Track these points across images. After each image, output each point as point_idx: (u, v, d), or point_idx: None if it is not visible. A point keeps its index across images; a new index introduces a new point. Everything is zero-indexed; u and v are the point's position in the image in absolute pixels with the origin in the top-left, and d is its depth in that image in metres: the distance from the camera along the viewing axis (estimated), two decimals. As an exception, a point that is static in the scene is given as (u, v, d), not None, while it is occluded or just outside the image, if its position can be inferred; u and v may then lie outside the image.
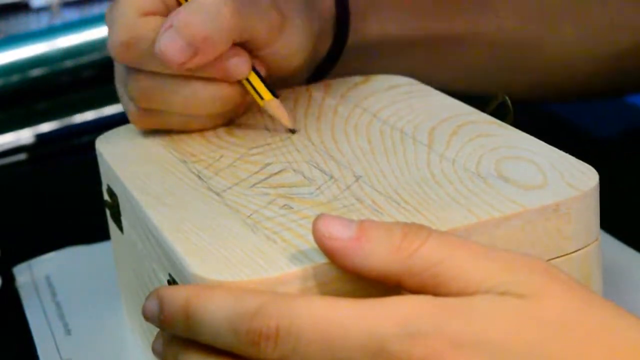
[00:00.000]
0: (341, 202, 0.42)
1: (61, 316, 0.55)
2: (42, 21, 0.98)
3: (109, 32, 0.48)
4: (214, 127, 0.51)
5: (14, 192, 0.73)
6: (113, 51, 0.48)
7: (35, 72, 0.85)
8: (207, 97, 0.49)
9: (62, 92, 0.86)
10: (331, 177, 0.44)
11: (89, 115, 0.84)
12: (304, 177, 0.44)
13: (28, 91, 0.85)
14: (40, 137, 0.79)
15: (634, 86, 0.66)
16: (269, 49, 0.50)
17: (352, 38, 0.58)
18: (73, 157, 0.78)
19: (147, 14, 0.48)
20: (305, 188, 0.43)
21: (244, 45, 0.49)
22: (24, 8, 0.99)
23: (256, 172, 0.45)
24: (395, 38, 0.60)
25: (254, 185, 0.44)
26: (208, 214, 0.42)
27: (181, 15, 0.46)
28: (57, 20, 0.97)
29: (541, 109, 0.76)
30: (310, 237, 0.39)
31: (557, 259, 0.40)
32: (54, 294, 0.58)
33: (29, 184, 0.75)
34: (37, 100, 0.86)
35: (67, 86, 0.86)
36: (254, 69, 0.49)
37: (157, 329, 0.45)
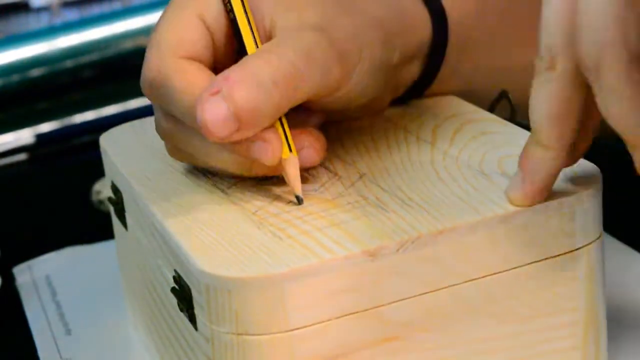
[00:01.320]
0: (346, 198, 0.42)
1: (61, 316, 0.56)
2: (42, 21, 0.98)
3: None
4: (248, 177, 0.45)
5: (14, 192, 0.73)
6: (142, 86, 0.44)
7: (35, 72, 0.86)
8: (224, 160, 0.43)
9: (62, 92, 0.87)
10: (335, 174, 0.44)
11: (89, 115, 0.84)
12: (308, 174, 0.44)
13: (28, 91, 0.85)
14: (40, 137, 0.79)
15: None
16: (325, 102, 0.44)
17: (445, 67, 0.52)
18: (73, 157, 0.78)
19: (183, 56, 0.43)
20: (310, 185, 0.43)
21: None
22: (24, 8, 0.99)
23: (261, 169, 0.46)
24: (489, 68, 0.54)
25: (259, 181, 0.44)
26: (213, 210, 0.42)
27: (230, 82, 0.40)
28: (57, 20, 0.98)
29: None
30: (316, 234, 0.39)
31: (560, 257, 0.41)
32: (54, 294, 0.58)
33: (29, 184, 0.75)
34: (37, 100, 0.86)
35: (67, 86, 0.87)
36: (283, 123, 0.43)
37: (162, 324, 0.45)
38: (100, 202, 0.66)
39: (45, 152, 0.79)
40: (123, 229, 0.50)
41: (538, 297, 0.41)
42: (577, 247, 0.41)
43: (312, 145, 0.43)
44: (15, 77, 0.85)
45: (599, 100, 0.35)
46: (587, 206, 0.40)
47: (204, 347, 0.39)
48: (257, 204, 0.42)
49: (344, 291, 0.37)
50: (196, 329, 0.40)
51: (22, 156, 0.78)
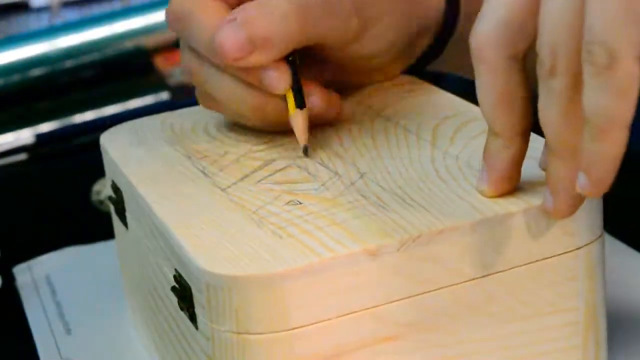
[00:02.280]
0: (346, 197, 0.42)
1: (61, 316, 0.55)
2: (42, 21, 0.98)
3: None
4: (262, 129, 0.49)
5: (14, 192, 0.73)
6: (166, 19, 0.48)
7: (35, 72, 0.86)
8: (239, 96, 0.47)
9: (62, 92, 0.87)
10: (336, 173, 0.44)
11: (89, 115, 0.84)
12: (309, 173, 0.44)
13: (28, 91, 0.86)
14: (40, 137, 0.79)
15: None
16: (342, 53, 0.49)
17: (456, 37, 0.55)
18: (73, 157, 0.78)
19: None
20: (310, 184, 0.43)
21: (314, 48, 0.48)
22: (24, 8, 0.99)
23: (261, 168, 0.46)
24: None
25: (259, 181, 0.44)
26: (214, 209, 0.42)
27: (246, 11, 0.45)
28: (57, 20, 0.98)
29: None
30: (317, 233, 0.39)
31: (560, 256, 0.40)
32: (54, 294, 0.58)
33: (29, 184, 0.75)
34: (37, 100, 0.86)
35: (67, 86, 0.87)
36: (296, 78, 0.47)
37: (162, 323, 0.45)
38: (101, 202, 0.66)
39: (45, 152, 0.79)
40: (123, 228, 0.50)
41: (538, 297, 0.41)
42: (577, 247, 0.41)
43: (319, 94, 0.47)
44: (15, 77, 0.85)
45: (540, 98, 0.36)
46: (588, 206, 0.40)
47: (205, 346, 0.39)
48: (257, 202, 0.42)
49: (345, 290, 0.37)
50: (197, 327, 0.40)
51: (22, 156, 0.78)
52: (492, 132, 0.39)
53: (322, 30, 0.46)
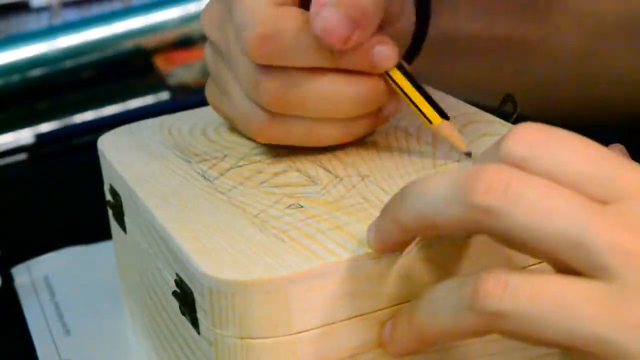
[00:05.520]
0: (348, 200, 0.42)
1: (60, 316, 0.55)
2: (42, 21, 0.98)
3: (240, 27, 0.44)
4: (343, 141, 0.46)
5: (14, 192, 0.73)
6: (249, 46, 0.44)
7: (35, 72, 0.85)
8: (348, 93, 0.45)
9: (62, 92, 0.86)
10: (336, 176, 0.44)
11: (89, 115, 0.84)
12: (309, 176, 0.44)
13: (28, 91, 0.85)
14: (40, 137, 0.79)
15: None
16: (396, 25, 0.48)
17: (430, 32, 0.55)
18: (73, 157, 0.78)
19: (282, 3, 0.45)
20: (311, 187, 0.43)
21: None
22: (24, 8, 0.99)
23: (261, 172, 0.45)
24: (468, 36, 0.58)
25: (259, 184, 0.44)
26: (215, 213, 0.42)
27: None
28: (57, 20, 0.97)
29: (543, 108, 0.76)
30: (319, 236, 0.39)
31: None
32: (52, 295, 0.58)
33: (29, 184, 0.75)
34: (37, 100, 0.86)
35: (67, 86, 0.87)
36: (419, 88, 0.45)
37: (163, 328, 0.44)
38: None
39: (45, 152, 0.79)
40: (121, 232, 0.49)
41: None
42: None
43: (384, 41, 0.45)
44: (15, 77, 0.85)
45: None
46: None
47: (207, 351, 0.39)
48: (258, 206, 0.42)
49: (348, 294, 0.37)
50: (198, 332, 0.40)
51: (22, 156, 0.78)
52: None
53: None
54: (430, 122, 0.44)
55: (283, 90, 0.44)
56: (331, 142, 0.46)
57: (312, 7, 0.43)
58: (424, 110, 0.45)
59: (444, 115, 0.44)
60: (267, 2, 0.44)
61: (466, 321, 0.34)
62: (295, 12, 0.44)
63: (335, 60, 0.44)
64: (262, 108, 0.45)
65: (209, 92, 0.50)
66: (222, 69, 0.48)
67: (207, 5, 0.49)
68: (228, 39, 0.46)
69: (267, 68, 0.44)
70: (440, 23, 0.55)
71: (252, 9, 0.44)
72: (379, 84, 0.45)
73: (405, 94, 0.45)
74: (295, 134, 0.46)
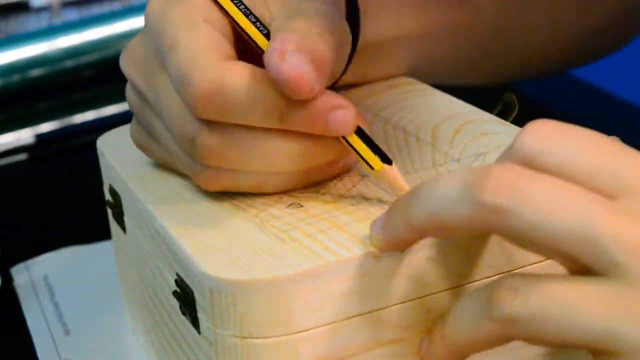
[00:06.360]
0: (348, 200, 0.42)
1: (60, 316, 0.55)
2: (42, 21, 0.98)
3: (183, 81, 0.41)
4: (293, 189, 0.43)
5: (14, 192, 0.73)
6: (196, 103, 0.40)
7: (35, 72, 0.85)
8: (293, 151, 0.41)
9: (62, 92, 0.86)
10: (337, 176, 0.44)
11: (89, 115, 0.84)
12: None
13: (28, 91, 0.85)
14: (40, 137, 0.79)
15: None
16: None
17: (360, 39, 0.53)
18: (73, 157, 0.78)
19: (228, 58, 0.41)
20: (312, 187, 0.43)
21: None
22: (24, 8, 0.99)
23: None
24: (394, 37, 0.58)
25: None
26: (215, 213, 0.42)
27: (294, 37, 0.40)
28: (57, 20, 0.97)
29: (544, 108, 0.76)
30: (320, 236, 0.39)
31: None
32: (52, 294, 0.58)
33: (29, 184, 0.75)
34: (37, 100, 0.85)
35: (67, 86, 0.86)
36: (360, 132, 0.41)
37: (163, 328, 0.44)
38: None
39: (45, 152, 0.79)
40: (121, 232, 0.49)
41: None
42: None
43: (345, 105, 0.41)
44: (15, 77, 0.85)
45: None
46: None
47: (207, 351, 0.39)
48: (258, 206, 0.42)
49: (349, 293, 0.37)
50: (199, 332, 0.40)
51: (22, 156, 0.78)
52: None
53: (338, 39, 0.42)
54: (371, 167, 0.41)
55: (223, 147, 0.41)
56: (289, 189, 0.43)
57: (269, 56, 0.39)
58: (364, 155, 0.41)
59: (386, 159, 0.41)
60: (212, 56, 0.41)
61: (487, 329, 0.35)
62: (242, 67, 0.41)
63: (285, 120, 0.41)
64: (198, 162, 0.42)
65: (136, 135, 0.47)
66: (150, 116, 0.44)
67: (129, 48, 0.46)
68: (157, 89, 0.43)
69: (210, 125, 0.41)
70: (368, 30, 0.53)
71: (195, 63, 0.40)
72: (327, 141, 0.42)
73: (346, 140, 0.41)
74: (244, 185, 0.43)
